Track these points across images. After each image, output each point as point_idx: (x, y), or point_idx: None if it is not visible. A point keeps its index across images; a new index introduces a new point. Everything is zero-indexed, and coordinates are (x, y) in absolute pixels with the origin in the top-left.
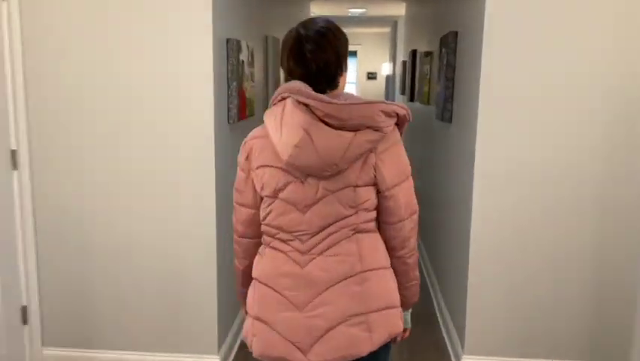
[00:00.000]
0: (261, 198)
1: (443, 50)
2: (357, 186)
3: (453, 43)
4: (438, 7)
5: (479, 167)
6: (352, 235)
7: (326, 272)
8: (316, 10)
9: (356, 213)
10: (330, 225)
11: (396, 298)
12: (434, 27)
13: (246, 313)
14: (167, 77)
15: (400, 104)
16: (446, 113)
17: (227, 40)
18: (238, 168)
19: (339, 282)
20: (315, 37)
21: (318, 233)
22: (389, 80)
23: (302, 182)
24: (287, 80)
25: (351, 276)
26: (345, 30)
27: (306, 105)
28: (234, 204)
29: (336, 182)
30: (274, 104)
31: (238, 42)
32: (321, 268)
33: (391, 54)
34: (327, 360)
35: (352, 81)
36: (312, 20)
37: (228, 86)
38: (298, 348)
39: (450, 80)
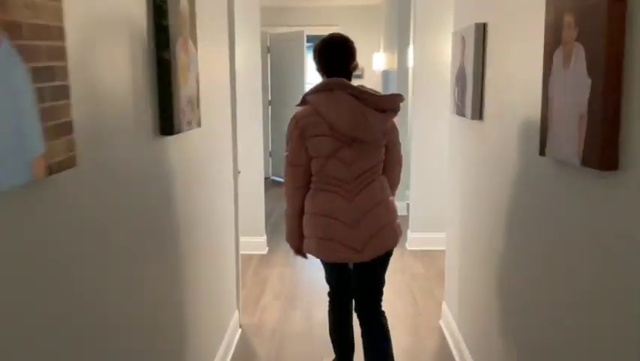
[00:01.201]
0: (310, 158)
1: None
2: (380, 147)
3: None
4: None
5: None
6: (376, 177)
7: (366, 202)
8: None
9: (378, 164)
10: (364, 173)
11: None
12: None
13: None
14: None
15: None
16: None
17: None
18: (291, 139)
19: (374, 206)
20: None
21: (357, 178)
22: (388, 79)
23: (349, 146)
24: (326, 75)
25: (380, 202)
26: (316, 3)
27: (354, 95)
28: (290, 167)
29: (370, 145)
30: (319, 91)
31: None
32: (363, 199)
33: (390, 39)
34: (374, 255)
35: None
36: (336, 34)
37: None
38: (356, 250)
39: None
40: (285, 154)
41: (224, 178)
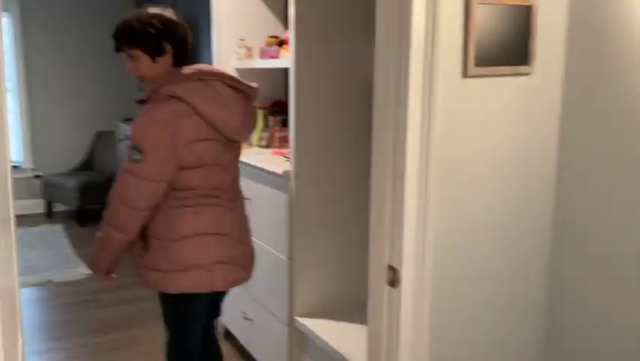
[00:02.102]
0: (178, 170)
1: None
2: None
3: None
4: None
5: None
6: (238, 181)
7: (241, 210)
8: None
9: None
10: (235, 177)
11: None
12: None
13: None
14: None
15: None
16: None
17: None
18: (153, 148)
19: (246, 215)
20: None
21: (232, 185)
22: None
23: (226, 148)
24: (174, 63)
25: (245, 216)
26: None
27: (232, 87)
28: (144, 182)
29: (238, 143)
30: (184, 82)
31: None
32: (239, 208)
33: None
34: (253, 271)
35: None
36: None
37: None
38: (246, 269)
39: None
40: (128, 165)
41: None
